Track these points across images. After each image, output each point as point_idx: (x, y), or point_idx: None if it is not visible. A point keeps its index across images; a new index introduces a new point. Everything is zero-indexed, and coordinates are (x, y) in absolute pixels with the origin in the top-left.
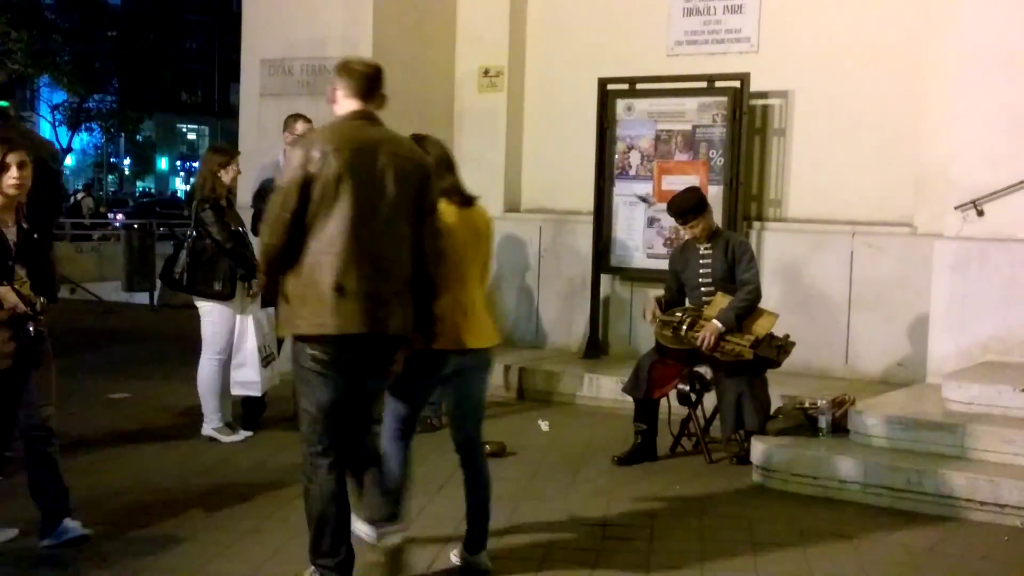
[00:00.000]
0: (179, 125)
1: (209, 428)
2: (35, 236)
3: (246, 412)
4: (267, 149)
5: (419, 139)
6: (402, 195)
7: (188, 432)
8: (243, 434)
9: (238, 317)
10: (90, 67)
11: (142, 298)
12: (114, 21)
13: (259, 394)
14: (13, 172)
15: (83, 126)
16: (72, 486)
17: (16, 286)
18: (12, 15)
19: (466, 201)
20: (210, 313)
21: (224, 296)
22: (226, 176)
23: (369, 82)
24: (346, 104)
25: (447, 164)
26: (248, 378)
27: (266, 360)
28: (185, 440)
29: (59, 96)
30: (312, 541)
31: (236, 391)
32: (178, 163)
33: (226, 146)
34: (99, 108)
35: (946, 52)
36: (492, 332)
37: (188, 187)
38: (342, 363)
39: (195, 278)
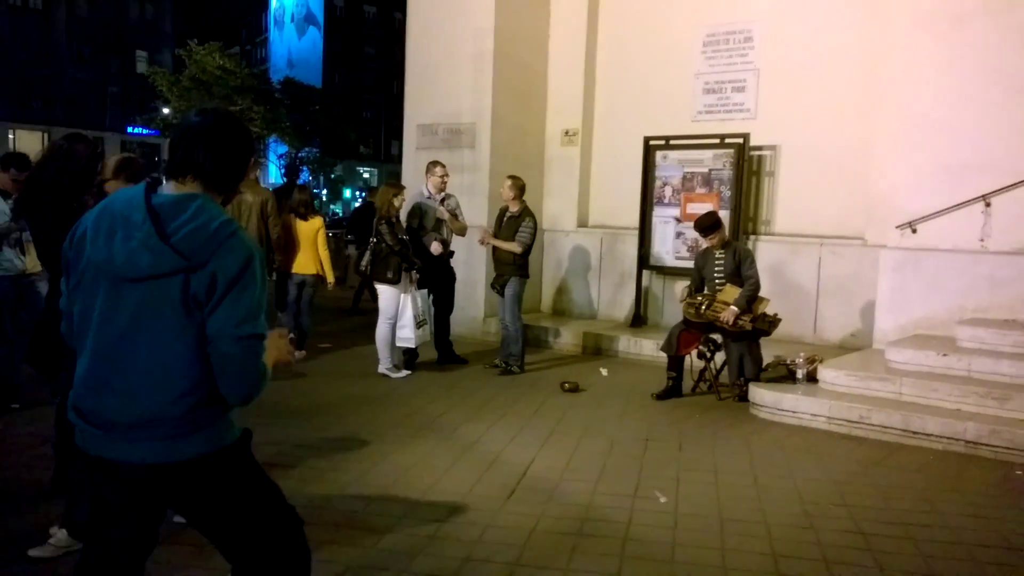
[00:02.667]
0: (358, 168)
1: (382, 367)
2: None
3: (406, 358)
4: (419, 184)
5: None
6: None
7: (368, 370)
8: (404, 373)
9: (402, 295)
10: (302, 130)
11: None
12: (318, 99)
13: (414, 346)
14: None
15: (298, 168)
16: (300, 402)
17: None
18: (254, 96)
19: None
20: (384, 292)
21: (393, 281)
22: (396, 202)
23: None
24: None
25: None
26: (407, 335)
27: (419, 324)
28: (366, 375)
29: (282, 149)
30: None
31: (399, 344)
32: (357, 193)
33: (397, 182)
34: (308, 156)
35: (889, 116)
36: None
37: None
38: None
39: (375, 270)
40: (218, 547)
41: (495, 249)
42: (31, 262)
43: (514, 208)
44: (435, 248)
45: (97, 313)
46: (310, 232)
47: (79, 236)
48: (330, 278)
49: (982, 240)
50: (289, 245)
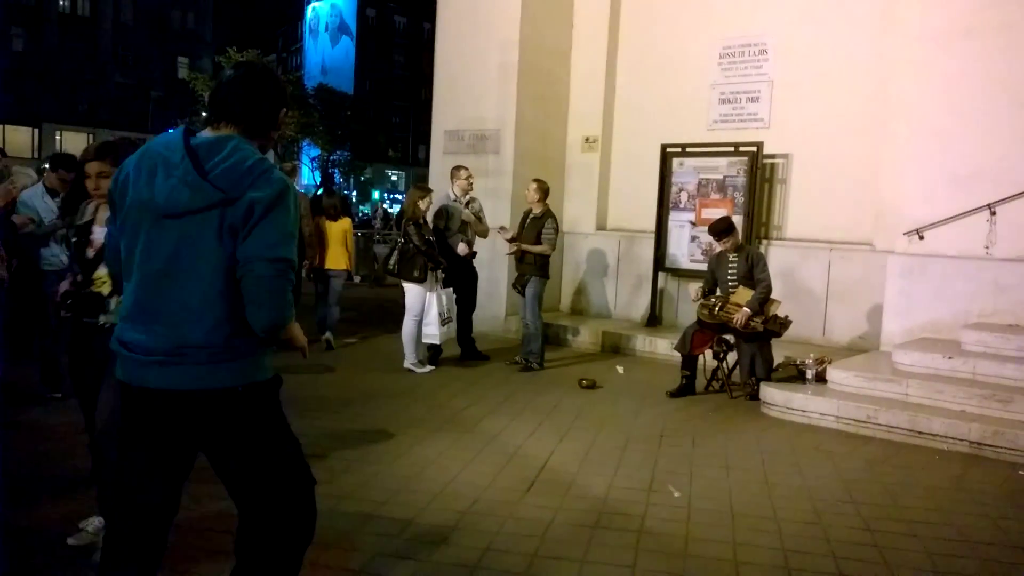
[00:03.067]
0: (387, 171)
1: (407, 363)
2: None
3: (430, 354)
4: (446, 187)
5: None
6: None
7: (394, 365)
8: (428, 368)
9: (427, 294)
10: (335, 134)
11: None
12: (349, 105)
13: (438, 343)
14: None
15: (329, 171)
16: (327, 394)
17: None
18: (289, 101)
19: None
20: (410, 290)
21: (420, 280)
22: (423, 204)
23: None
24: None
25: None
26: (432, 332)
27: (444, 321)
28: (392, 370)
29: (315, 152)
30: None
31: (424, 340)
32: (386, 195)
33: (424, 185)
34: (339, 160)
35: (899, 127)
36: None
37: (392, 212)
38: None
39: (403, 268)
40: (232, 490)
41: (517, 249)
42: None
43: (537, 210)
44: (462, 249)
45: (140, 249)
46: (339, 232)
47: (123, 179)
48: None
49: (987, 247)
50: (320, 243)
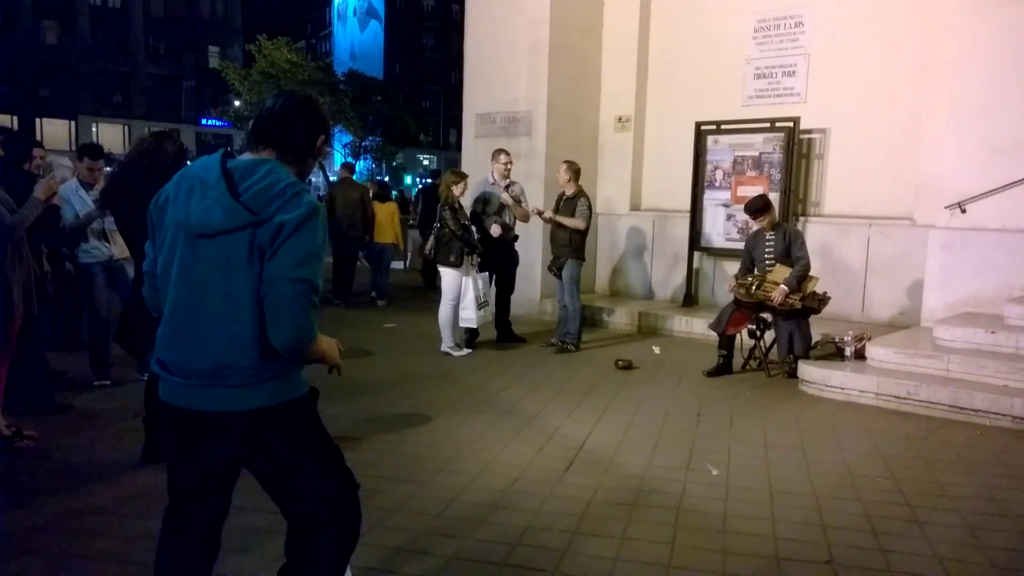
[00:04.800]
0: (419, 156)
1: (444, 346)
2: None
3: (467, 337)
4: (479, 171)
5: None
6: None
7: (431, 348)
8: (465, 351)
9: (463, 278)
10: (365, 120)
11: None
12: (379, 90)
13: (475, 327)
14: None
15: (361, 156)
16: (369, 378)
17: None
18: (320, 88)
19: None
20: (447, 275)
21: (456, 265)
22: (457, 190)
23: None
24: None
25: None
26: (468, 316)
27: (481, 305)
28: (429, 353)
29: (346, 138)
30: None
31: (461, 324)
32: (417, 179)
33: (459, 171)
34: (371, 145)
35: (940, 98)
36: None
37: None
38: None
39: (439, 253)
40: (278, 501)
41: (552, 232)
42: (118, 249)
43: (570, 191)
44: (494, 230)
45: (176, 268)
46: (387, 212)
47: (163, 200)
48: (402, 247)
49: None
50: (373, 220)
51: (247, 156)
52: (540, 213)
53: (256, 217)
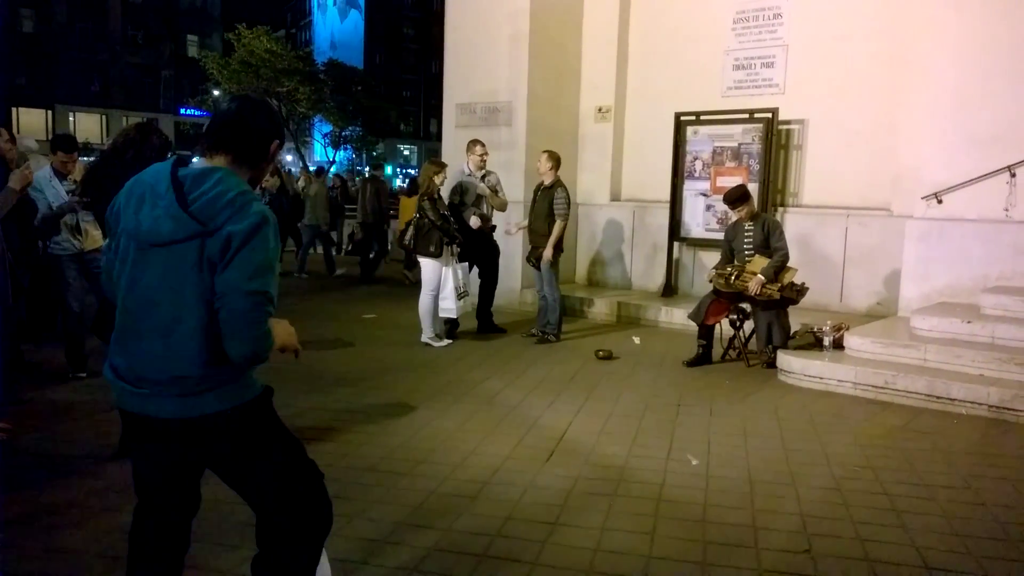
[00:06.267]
0: (399, 145)
1: (424, 337)
2: None
3: (447, 328)
4: (460, 161)
5: None
6: None
7: (412, 339)
8: (445, 342)
9: (443, 268)
10: (346, 109)
11: None
12: (360, 80)
13: (455, 316)
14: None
15: (341, 146)
16: (348, 369)
17: None
18: (300, 77)
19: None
20: (427, 265)
21: (435, 255)
22: (438, 179)
23: None
24: None
25: None
26: (448, 306)
27: (460, 295)
28: (410, 344)
29: (326, 128)
30: None
31: (441, 314)
32: (398, 169)
33: (439, 160)
34: (351, 135)
35: (917, 89)
36: None
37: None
38: None
39: (418, 244)
40: (245, 499)
41: (531, 223)
42: (90, 241)
43: (548, 180)
44: (474, 222)
45: (127, 276)
46: (412, 203)
47: (117, 207)
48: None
49: (1007, 210)
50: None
51: (199, 163)
52: (513, 233)
53: (204, 228)
